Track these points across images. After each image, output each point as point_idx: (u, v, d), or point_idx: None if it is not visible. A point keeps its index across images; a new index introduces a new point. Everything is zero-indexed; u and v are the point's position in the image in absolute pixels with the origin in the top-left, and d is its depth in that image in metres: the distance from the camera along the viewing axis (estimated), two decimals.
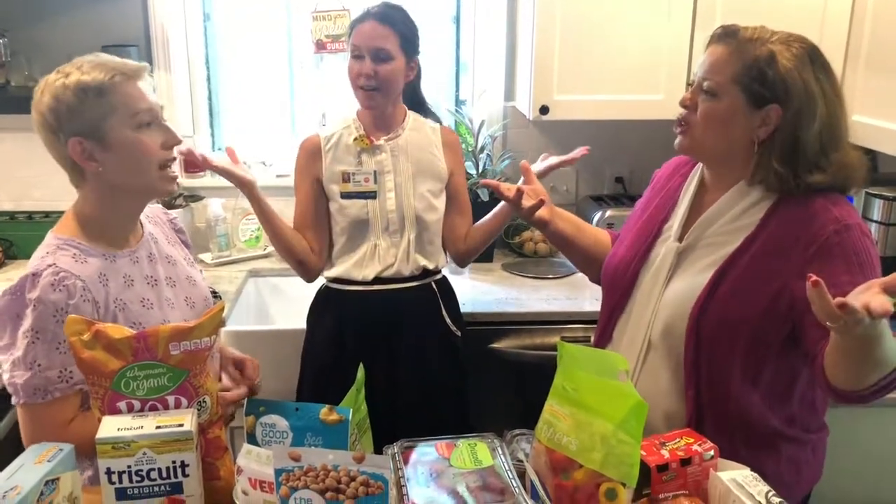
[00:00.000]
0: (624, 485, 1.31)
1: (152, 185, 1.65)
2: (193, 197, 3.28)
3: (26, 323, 1.52)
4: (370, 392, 2.20)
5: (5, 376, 1.55)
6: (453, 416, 2.45)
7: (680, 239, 1.79)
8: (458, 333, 2.50)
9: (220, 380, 1.80)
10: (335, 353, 2.38)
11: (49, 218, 3.11)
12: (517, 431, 1.67)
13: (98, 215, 1.65)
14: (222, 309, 1.48)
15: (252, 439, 1.39)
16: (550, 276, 3.07)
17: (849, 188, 1.70)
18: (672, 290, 1.75)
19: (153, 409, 1.42)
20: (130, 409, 1.41)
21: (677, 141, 1.74)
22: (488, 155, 3.22)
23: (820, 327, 1.41)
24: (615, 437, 1.29)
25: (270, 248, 3.29)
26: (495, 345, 2.75)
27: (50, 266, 1.53)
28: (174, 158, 1.67)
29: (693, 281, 1.71)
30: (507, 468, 1.43)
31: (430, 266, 2.44)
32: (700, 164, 1.83)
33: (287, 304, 3.07)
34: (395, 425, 1.49)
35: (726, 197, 1.73)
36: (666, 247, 1.80)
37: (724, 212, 1.72)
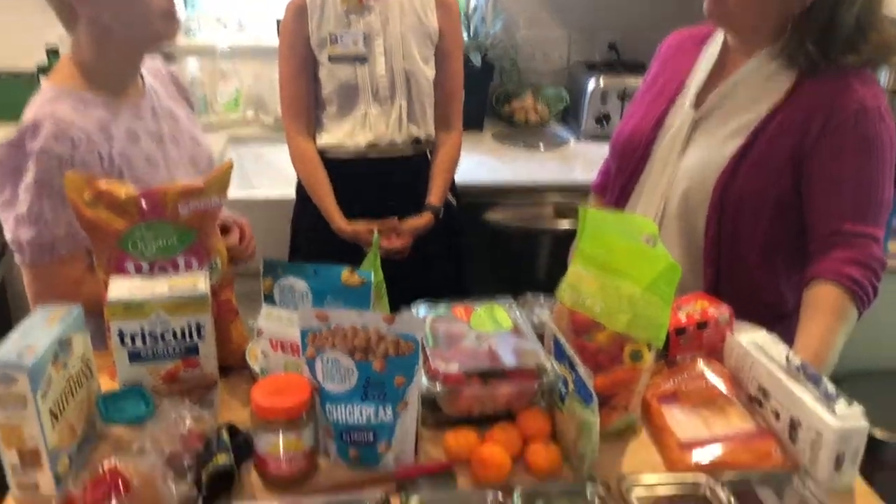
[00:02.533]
0: (649, 347, 1.31)
1: (155, 31, 1.52)
2: (166, 56, 3.09)
3: (29, 176, 1.42)
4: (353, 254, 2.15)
5: (8, 234, 1.47)
6: (448, 285, 2.44)
7: (696, 106, 1.73)
8: (454, 202, 2.45)
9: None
10: (327, 224, 2.32)
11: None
12: (530, 296, 1.66)
13: (96, 62, 1.52)
14: (231, 167, 1.40)
15: (269, 301, 1.35)
16: (542, 146, 3.01)
17: (882, 65, 1.64)
18: (690, 160, 1.71)
19: (162, 270, 1.36)
20: (138, 270, 1.35)
21: (707, 7, 1.65)
22: (482, 18, 3.08)
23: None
24: (643, 300, 1.27)
25: (251, 113, 3.15)
26: (488, 216, 2.72)
27: (50, 116, 1.42)
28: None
29: (715, 151, 1.66)
30: (527, 330, 1.41)
31: (423, 136, 2.36)
32: (721, 31, 1.75)
33: (273, 173, 2.97)
34: (390, 294, 1.46)
35: (751, 64, 1.66)
36: (682, 114, 1.75)
37: (747, 79, 1.66)
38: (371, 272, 1.32)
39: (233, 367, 1.49)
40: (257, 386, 1.22)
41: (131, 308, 1.27)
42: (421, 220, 2.29)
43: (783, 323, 1.61)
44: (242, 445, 1.27)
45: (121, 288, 1.30)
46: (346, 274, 1.31)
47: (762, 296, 1.70)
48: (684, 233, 1.72)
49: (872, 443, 2.11)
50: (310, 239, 2.38)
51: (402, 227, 2.25)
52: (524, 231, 2.71)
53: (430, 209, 2.30)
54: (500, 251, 2.75)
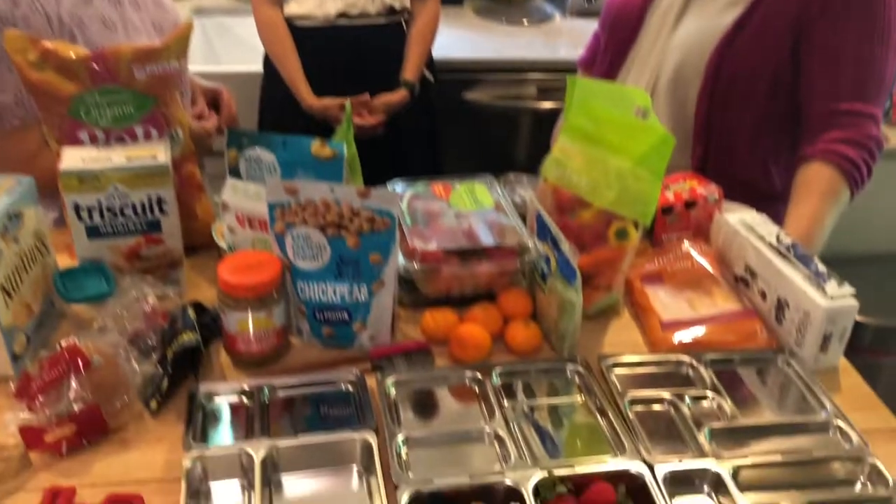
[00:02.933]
0: (636, 225, 1.25)
1: None
2: None
3: None
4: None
5: None
6: (424, 166, 2.35)
7: None
8: (432, 79, 2.33)
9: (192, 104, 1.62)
10: (296, 101, 2.20)
11: None
12: (512, 175, 1.59)
13: None
14: (191, 27, 1.29)
15: (235, 172, 1.26)
16: (526, 22, 2.87)
17: None
18: (684, 31, 1.61)
19: (119, 140, 1.26)
20: (93, 140, 1.25)
21: None
22: None
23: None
24: (633, 175, 1.20)
25: None
26: (467, 95, 2.60)
27: None
28: None
29: (711, 22, 1.56)
30: (509, 209, 1.35)
31: (397, 4, 2.21)
32: None
33: (238, 46, 2.81)
34: (363, 176, 1.38)
35: None
36: None
37: None
38: (343, 144, 1.24)
39: (199, 245, 1.42)
40: (224, 262, 1.16)
41: (86, 180, 1.19)
42: (395, 97, 2.18)
43: (770, 207, 1.56)
44: (210, 324, 1.21)
45: (74, 158, 1.21)
46: (316, 145, 1.22)
47: (750, 177, 1.65)
48: (674, 108, 1.64)
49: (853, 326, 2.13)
50: (277, 117, 2.27)
51: (375, 103, 2.14)
52: (505, 111, 2.60)
53: (404, 85, 2.19)
54: (480, 132, 2.66)
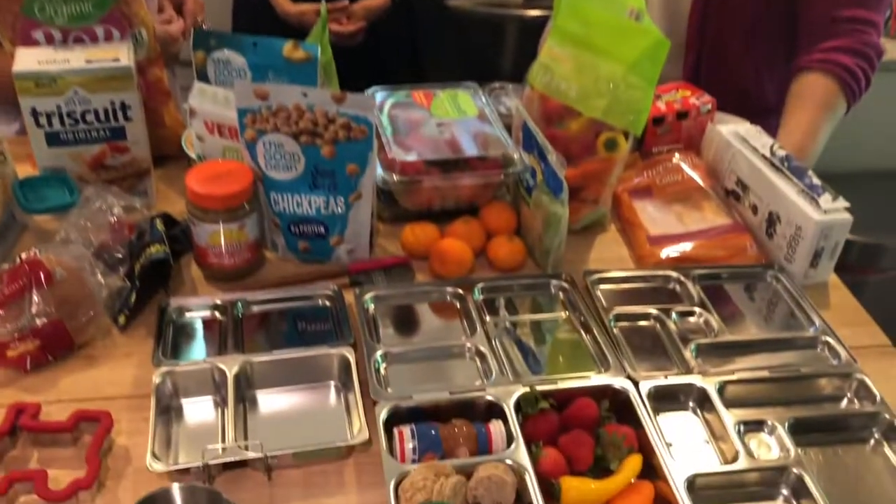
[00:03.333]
0: (626, 135, 1.19)
1: None
2: None
3: None
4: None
5: None
6: (406, 75, 2.25)
7: None
8: None
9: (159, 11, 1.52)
10: (271, 7, 2.08)
11: None
12: (497, 84, 1.52)
13: None
14: None
15: (203, 77, 1.19)
16: None
17: None
18: None
19: (78, 41, 1.18)
20: (49, 41, 1.17)
21: None
22: None
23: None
24: (624, 81, 1.14)
25: None
26: (451, 0, 2.49)
27: None
28: None
29: None
30: (493, 118, 1.29)
31: None
32: None
33: None
34: (341, 86, 1.30)
35: None
36: None
37: None
38: (317, 46, 1.16)
39: (169, 155, 1.36)
40: (192, 172, 1.10)
41: (43, 83, 1.11)
42: (375, 1, 2.07)
43: (763, 120, 1.50)
44: (180, 237, 1.16)
45: (29, 60, 1.13)
46: (289, 47, 1.15)
47: (743, 88, 1.58)
48: (667, 15, 1.56)
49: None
50: (251, 22, 2.15)
51: (354, 9, 2.03)
52: (489, 18, 2.49)
53: None
54: (463, 41, 2.54)
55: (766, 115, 1.54)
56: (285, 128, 1.05)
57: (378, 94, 1.33)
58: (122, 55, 1.15)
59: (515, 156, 1.21)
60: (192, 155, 1.24)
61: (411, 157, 1.18)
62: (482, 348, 1.03)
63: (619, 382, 0.97)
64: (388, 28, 2.17)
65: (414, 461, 0.88)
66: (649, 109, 1.16)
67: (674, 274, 1.17)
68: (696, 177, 1.31)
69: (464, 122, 1.27)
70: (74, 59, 1.13)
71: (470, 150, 1.21)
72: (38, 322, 0.97)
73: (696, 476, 0.88)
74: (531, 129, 1.16)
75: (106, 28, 1.18)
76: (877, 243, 2.06)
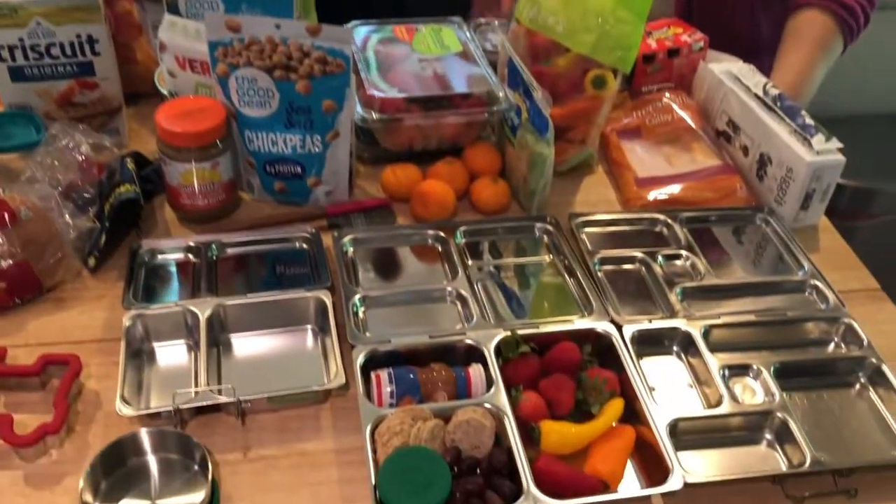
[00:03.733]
0: (615, 73, 1.15)
1: None
2: None
3: None
4: None
5: None
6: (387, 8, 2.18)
7: None
8: None
9: None
10: None
11: None
12: (482, 20, 1.46)
13: None
14: None
15: (174, 10, 1.13)
16: None
17: None
18: None
19: None
20: None
21: None
22: None
23: None
24: (613, 15, 1.09)
25: None
26: None
27: None
28: None
29: None
30: (478, 55, 1.24)
31: None
32: None
33: None
34: (322, 14, 1.25)
35: None
36: None
37: None
38: None
39: (142, 93, 1.31)
40: (162, 108, 1.05)
41: (3, 13, 1.06)
42: None
43: (756, 60, 1.45)
44: (152, 177, 1.12)
45: None
46: None
47: (736, 25, 1.53)
48: None
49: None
50: None
51: None
52: None
53: None
54: None
55: (760, 55, 1.50)
56: (258, 62, 1.01)
57: (358, 29, 1.28)
58: None
59: (500, 94, 1.17)
60: (165, 92, 1.19)
61: (391, 95, 1.13)
62: (463, 292, 1.00)
63: (602, 326, 0.95)
64: None
65: (391, 405, 0.86)
66: (639, 46, 1.12)
67: (661, 216, 1.15)
68: (687, 117, 1.27)
69: (447, 58, 1.22)
70: None
71: (453, 87, 1.17)
72: (4, 264, 0.94)
73: (678, 420, 0.87)
74: (517, 66, 1.11)
75: None
76: (868, 188, 2.03)
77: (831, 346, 1.01)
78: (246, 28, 0.99)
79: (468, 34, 1.29)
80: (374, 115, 1.12)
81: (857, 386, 0.96)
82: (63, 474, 0.81)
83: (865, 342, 0.97)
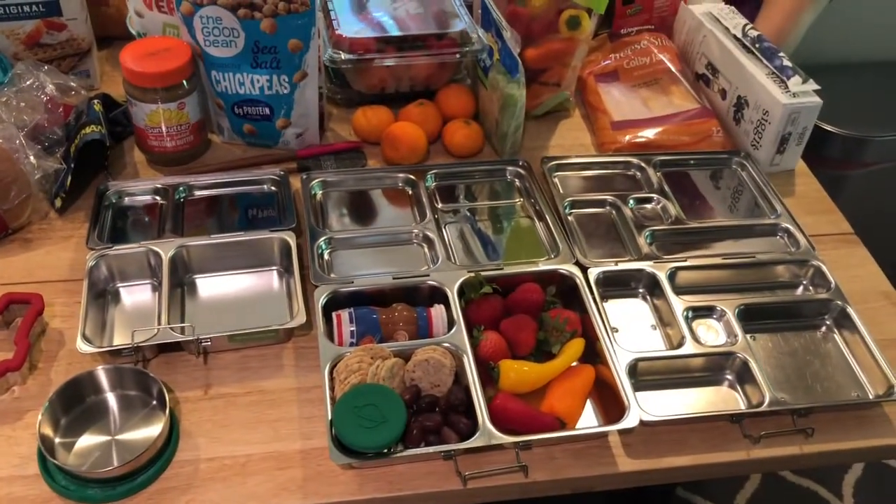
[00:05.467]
0: (590, 13, 1.13)
1: None
2: None
3: None
4: None
5: None
6: None
7: None
8: None
9: None
10: None
11: None
12: None
13: None
14: None
15: None
16: None
17: None
18: None
19: None
20: None
21: None
22: None
23: None
24: None
25: None
26: None
27: None
28: None
29: None
30: None
31: None
32: None
33: None
34: None
35: None
36: None
37: None
38: None
39: (116, 36, 1.29)
40: (127, 49, 1.04)
41: None
42: None
43: (747, 5, 1.42)
44: (121, 119, 1.12)
45: None
46: None
47: None
48: None
49: (819, 134, 2.04)
50: None
51: None
52: None
53: None
54: None
55: (749, 1, 1.47)
56: (222, 0, 0.99)
57: None
58: None
59: (474, 35, 1.15)
60: (135, 33, 1.18)
61: (361, 35, 1.11)
62: (430, 234, 1.00)
63: (566, 268, 0.95)
64: None
65: (352, 344, 0.86)
66: None
67: (634, 160, 1.13)
68: (666, 59, 1.25)
69: None
70: None
71: (425, 27, 1.15)
72: None
73: (637, 360, 0.87)
74: (488, 4, 1.09)
75: None
76: (861, 136, 2.00)
77: (800, 289, 1.01)
78: None
79: None
80: (343, 56, 1.10)
81: (823, 328, 0.96)
82: (25, 410, 0.82)
83: (833, 285, 0.97)
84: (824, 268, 0.99)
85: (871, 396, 0.88)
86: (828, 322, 0.96)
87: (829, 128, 2.00)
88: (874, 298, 1.00)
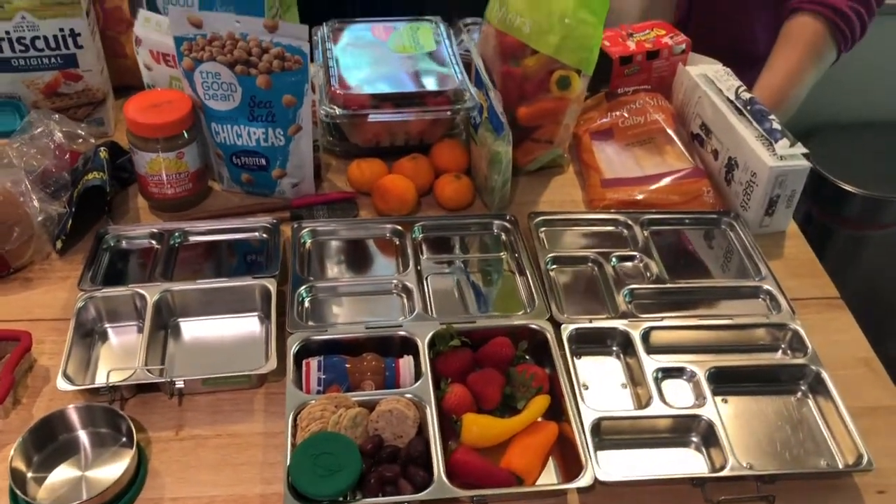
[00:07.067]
0: (579, 73, 1.15)
1: None
2: None
3: None
4: None
5: None
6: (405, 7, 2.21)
7: None
8: None
9: None
10: None
11: None
12: (470, 20, 1.47)
13: None
14: None
15: (152, 6, 1.18)
16: None
17: None
18: None
19: None
20: None
21: None
22: None
23: None
24: (575, 17, 1.10)
25: None
26: None
27: None
28: None
29: None
30: (450, 53, 1.25)
31: None
32: None
33: None
34: (336, 11, 1.28)
35: None
36: None
37: None
38: None
39: (132, 85, 1.35)
40: (132, 100, 1.10)
41: None
42: None
43: (754, 70, 1.43)
44: (127, 166, 1.17)
45: None
46: None
47: (733, 36, 1.51)
48: None
49: (840, 194, 2.02)
50: None
51: None
52: None
53: None
54: None
55: (756, 65, 1.48)
56: (220, 57, 1.04)
57: (335, 26, 1.31)
58: None
59: (467, 93, 1.18)
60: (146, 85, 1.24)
61: (356, 91, 1.16)
62: (409, 285, 1.02)
63: (537, 323, 0.96)
64: None
65: (319, 392, 0.88)
66: (599, 46, 1.12)
67: (620, 217, 1.15)
68: (661, 119, 1.27)
69: (419, 56, 1.24)
70: None
71: (419, 84, 1.19)
72: None
73: (601, 419, 0.87)
74: (478, 66, 1.13)
75: None
76: (880, 197, 1.97)
77: (779, 353, 1.00)
78: (208, 24, 1.03)
79: (444, 33, 1.30)
80: (338, 111, 1.14)
81: (799, 394, 0.95)
82: (4, 444, 0.85)
83: (810, 350, 0.96)
84: (802, 332, 0.98)
85: (840, 465, 0.87)
86: (803, 387, 0.95)
87: (848, 188, 1.99)
88: (853, 365, 0.98)
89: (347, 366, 0.90)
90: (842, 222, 2.09)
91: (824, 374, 0.93)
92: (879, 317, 2.07)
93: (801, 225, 1.20)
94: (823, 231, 2.03)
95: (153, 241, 1.09)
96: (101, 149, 1.14)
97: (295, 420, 0.84)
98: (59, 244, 1.06)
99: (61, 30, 1.16)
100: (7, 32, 1.14)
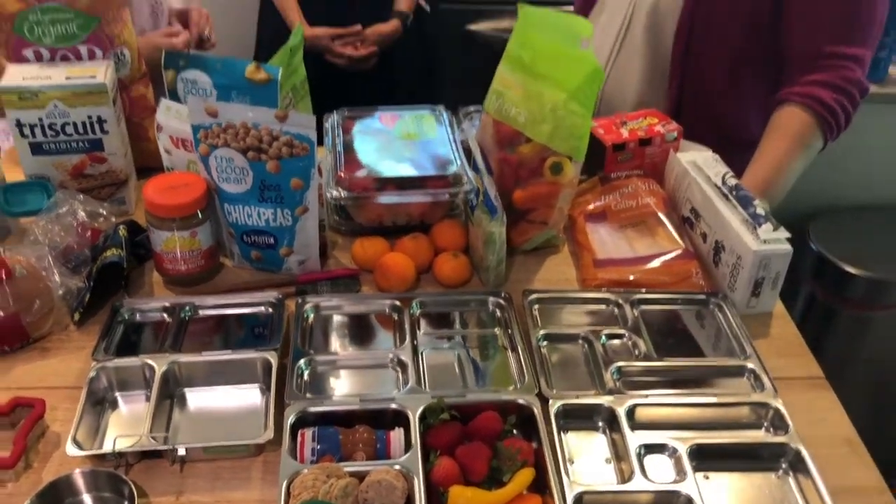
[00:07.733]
0: (570, 159, 1.22)
1: None
2: None
3: None
4: (325, 64, 2.05)
5: None
6: (419, 97, 2.32)
7: None
8: (428, 9, 2.29)
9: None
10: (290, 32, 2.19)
11: None
12: (473, 108, 1.56)
13: None
14: None
15: (174, 96, 1.27)
16: None
17: None
18: None
19: (64, 59, 1.29)
20: (38, 58, 1.28)
21: None
22: None
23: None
24: (566, 108, 1.17)
25: None
26: (472, 26, 2.55)
27: None
28: None
29: None
30: (451, 140, 1.33)
31: None
32: None
33: None
34: (356, 101, 1.37)
35: None
36: None
37: None
38: (279, 68, 1.23)
39: (154, 167, 1.44)
40: (150, 182, 1.18)
41: (25, 96, 1.21)
42: (387, 27, 2.14)
43: (747, 154, 1.49)
44: (145, 244, 1.24)
45: (15, 75, 1.23)
46: (251, 69, 1.22)
47: (726, 122, 1.58)
48: (650, 46, 1.57)
49: (843, 276, 2.05)
50: (273, 41, 2.26)
51: (366, 34, 2.12)
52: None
53: (396, 15, 2.15)
54: (485, 64, 2.60)
55: (749, 149, 1.54)
56: (234, 143, 1.12)
57: (344, 115, 1.40)
58: (99, 73, 1.24)
59: (465, 177, 1.25)
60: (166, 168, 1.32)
61: (360, 175, 1.23)
62: (405, 359, 1.07)
63: (525, 398, 1.00)
64: (401, 53, 2.24)
65: (312, 462, 0.92)
66: (588, 135, 1.19)
67: (611, 297, 1.19)
68: (652, 203, 1.33)
69: (421, 142, 1.32)
70: (56, 75, 1.23)
71: (420, 169, 1.26)
72: None
73: (583, 493, 0.90)
74: (474, 151, 1.20)
75: (89, 48, 1.28)
76: (884, 279, 2.00)
77: (762, 431, 1.03)
78: (223, 113, 1.11)
79: (447, 121, 1.38)
80: (343, 194, 1.22)
81: (780, 471, 0.97)
82: None
83: (791, 429, 0.99)
84: (783, 411, 1.01)
85: None
86: (783, 465, 0.97)
87: (852, 270, 2.02)
88: (836, 444, 1.01)
89: (340, 437, 0.94)
90: (845, 304, 2.11)
91: (804, 453, 0.96)
92: (883, 399, 2.07)
93: (804, 307, 1.24)
94: (827, 312, 2.06)
95: (165, 315, 1.15)
96: (121, 227, 1.21)
97: (288, 488, 0.88)
98: (76, 316, 1.13)
99: (90, 117, 1.25)
100: (40, 119, 1.24)
